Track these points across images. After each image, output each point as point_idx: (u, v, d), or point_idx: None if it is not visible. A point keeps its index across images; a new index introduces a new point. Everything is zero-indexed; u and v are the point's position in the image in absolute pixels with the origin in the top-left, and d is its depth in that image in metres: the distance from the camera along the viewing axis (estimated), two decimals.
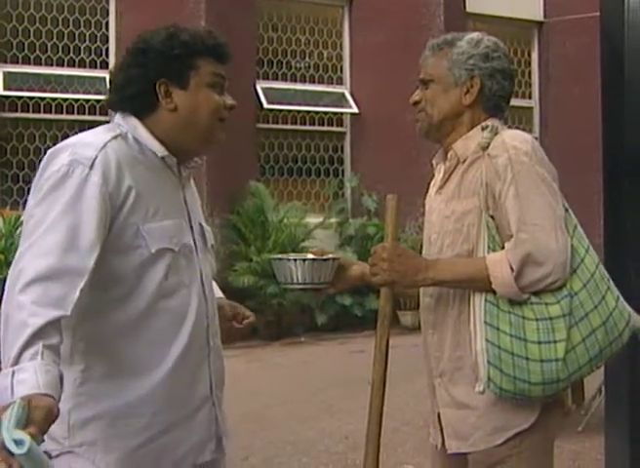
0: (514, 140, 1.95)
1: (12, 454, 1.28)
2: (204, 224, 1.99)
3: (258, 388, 6.30)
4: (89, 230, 1.65)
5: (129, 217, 1.73)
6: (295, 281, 2.06)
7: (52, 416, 1.41)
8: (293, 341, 8.71)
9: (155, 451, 1.78)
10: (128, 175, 1.74)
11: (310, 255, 2.11)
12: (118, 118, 1.85)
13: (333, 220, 9.88)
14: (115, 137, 1.78)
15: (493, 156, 1.94)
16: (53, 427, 1.69)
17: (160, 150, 1.82)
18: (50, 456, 1.68)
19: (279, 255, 2.14)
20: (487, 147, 1.97)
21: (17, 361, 1.45)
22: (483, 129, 2.01)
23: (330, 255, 2.14)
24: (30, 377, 1.43)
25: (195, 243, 1.89)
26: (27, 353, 1.46)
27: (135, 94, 1.81)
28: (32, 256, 1.59)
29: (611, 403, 3.45)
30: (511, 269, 1.85)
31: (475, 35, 2.08)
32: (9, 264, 1.77)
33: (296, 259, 2.07)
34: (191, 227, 1.89)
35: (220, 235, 8.94)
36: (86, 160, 1.69)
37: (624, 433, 3.26)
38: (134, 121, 1.83)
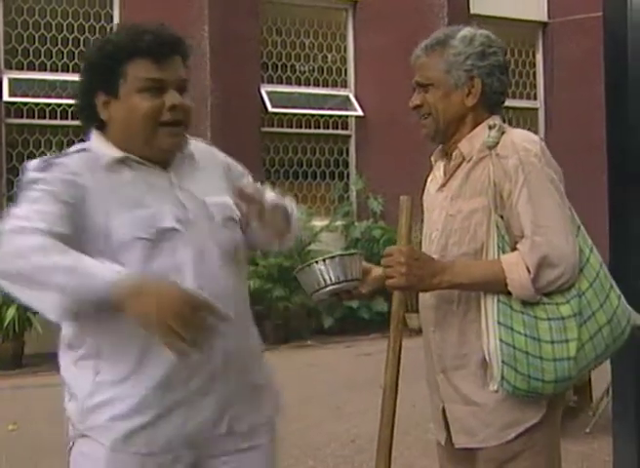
0: (524, 141, 1.96)
1: None
2: (211, 200, 1.92)
3: None
4: None
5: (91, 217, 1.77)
6: (328, 282, 2.01)
7: None
8: (299, 345, 8.70)
9: (163, 429, 1.81)
10: (85, 179, 1.79)
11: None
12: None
13: (338, 223, 9.87)
14: (78, 151, 1.86)
15: (502, 156, 1.94)
16: (72, 414, 1.86)
17: (111, 154, 1.85)
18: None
19: (301, 265, 2.06)
20: (494, 146, 1.97)
21: None
22: (490, 128, 2.00)
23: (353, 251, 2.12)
24: None
25: (186, 222, 1.84)
26: None
27: (82, 108, 1.88)
28: None
29: (618, 404, 3.44)
30: (528, 271, 1.86)
31: (467, 32, 2.04)
32: None
33: (324, 259, 2.02)
34: (185, 207, 1.86)
35: None
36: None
37: (632, 434, 3.26)
38: (94, 133, 1.90)
